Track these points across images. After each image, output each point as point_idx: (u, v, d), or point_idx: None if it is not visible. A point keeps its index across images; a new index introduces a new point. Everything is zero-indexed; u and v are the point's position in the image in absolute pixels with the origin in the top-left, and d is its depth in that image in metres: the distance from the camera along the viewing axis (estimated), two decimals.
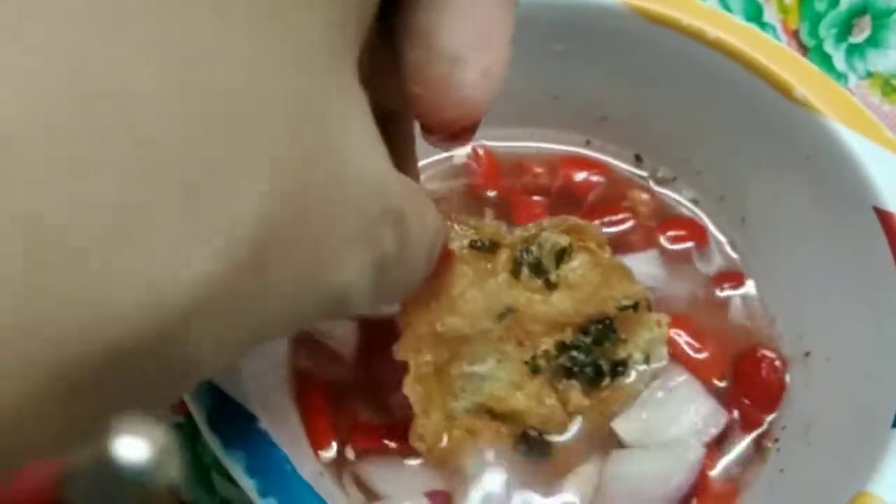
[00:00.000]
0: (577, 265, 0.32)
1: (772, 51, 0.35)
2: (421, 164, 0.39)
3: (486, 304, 0.30)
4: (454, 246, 0.30)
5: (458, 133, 0.23)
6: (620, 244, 0.39)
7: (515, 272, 0.31)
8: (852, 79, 0.48)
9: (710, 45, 0.35)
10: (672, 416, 0.35)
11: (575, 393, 0.33)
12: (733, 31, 0.35)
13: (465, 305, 0.30)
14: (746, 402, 0.37)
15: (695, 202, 0.41)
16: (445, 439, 0.32)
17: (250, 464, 0.28)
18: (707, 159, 0.39)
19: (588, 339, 0.32)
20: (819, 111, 0.34)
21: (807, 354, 0.37)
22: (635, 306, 0.33)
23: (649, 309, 0.33)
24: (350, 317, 0.36)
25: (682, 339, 0.37)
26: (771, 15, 0.50)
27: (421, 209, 0.22)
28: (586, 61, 0.38)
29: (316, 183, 0.17)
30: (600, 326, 0.32)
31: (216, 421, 0.28)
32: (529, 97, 0.40)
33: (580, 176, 0.41)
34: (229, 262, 0.15)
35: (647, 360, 0.34)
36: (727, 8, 0.50)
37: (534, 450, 0.33)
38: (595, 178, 0.41)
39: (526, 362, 0.32)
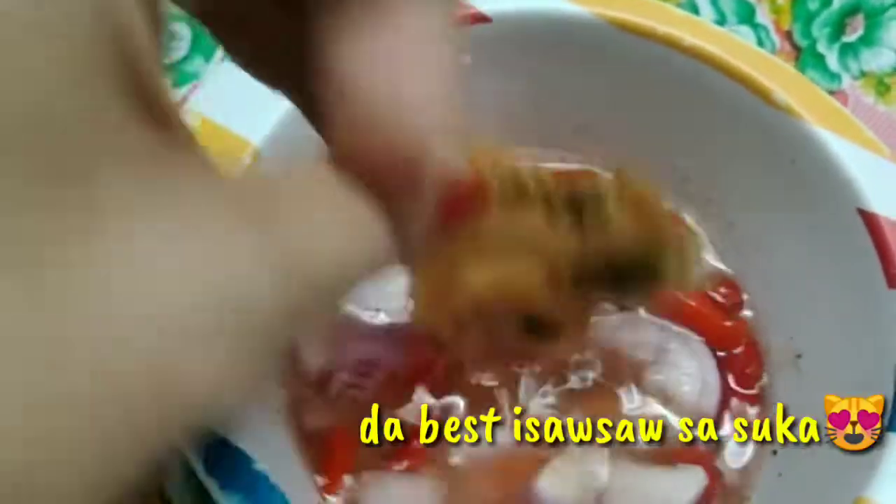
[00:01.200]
0: (609, 213, 0.28)
1: (749, 55, 0.35)
2: None
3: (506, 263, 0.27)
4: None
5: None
6: None
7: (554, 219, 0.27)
8: (846, 79, 0.48)
9: (686, 53, 0.35)
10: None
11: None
12: (709, 37, 0.35)
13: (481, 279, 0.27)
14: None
15: (682, 208, 0.41)
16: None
17: None
18: (691, 166, 0.40)
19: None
20: (799, 115, 0.34)
21: (798, 356, 0.37)
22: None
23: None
24: None
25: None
26: (763, 15, 0.50)
27: None
28: (565, 74, 0.38)
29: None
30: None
31: (212, 463, 0.29)
32: (510, 111, 0.40)
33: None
34: None
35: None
36: (719, 10, 0.50)
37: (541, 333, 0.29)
38: None
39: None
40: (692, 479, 0.36)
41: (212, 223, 0.14)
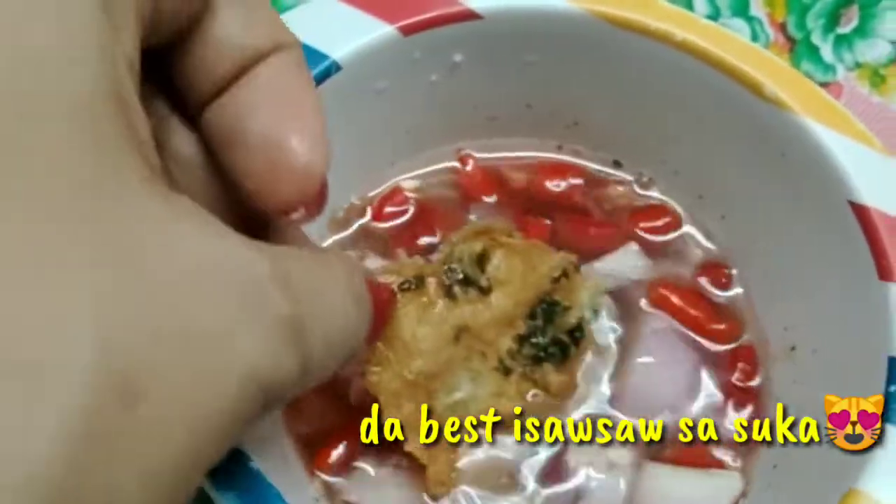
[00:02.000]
0: (497, 262, 0.33)
1: (740, 49, 0.35)
2: (412, 173, 0.41)
3: (438, 335, 0.32)
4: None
5: (312, 203, 0.23)
6: (604, 245, 0.40)
7: (450, 294, 0.32)
8: (840, 70, 0.48)
9: (678, 48, 0.35)
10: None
11: (551, 374, 0.34)
12: (700, 31, 0.35)
13: (422, 344, 0.31)
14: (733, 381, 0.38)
15: (675, 201, 0.41)
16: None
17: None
18: (683, 160, 0.40)
19: (539, 322, 0.34)
20: (790, 108, 0.34)
21: (792, 348, 0.37)
22: (565, 274, 0.34)
23: (577, 270, 0.35)
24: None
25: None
26: (757, 8, 0.50)
27: (313, 268, 0.22)
28: (557, 70, 0.38)
29: (147, 286, 0.16)
30: (544, 305, 0.34)
31: None
32: (503, 108, 0.40)
33: (557, 182, 0.41)
34: (72, 429, 0.15)
35: (595, 313, 0.36)
36: (713, 2, 0.50)
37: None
38: (573, 182, 0.41)
39: (496, 368, 0.33)
40: (728, 486, 0.36)
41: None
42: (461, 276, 0.33)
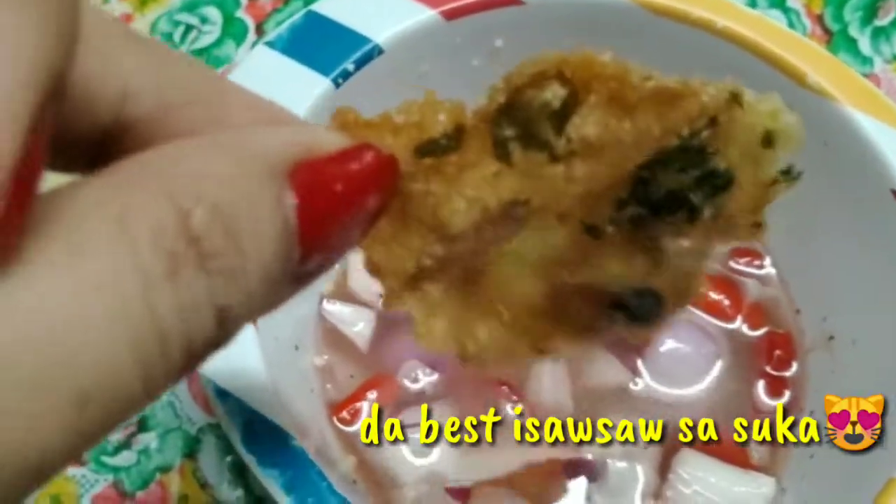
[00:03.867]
0: (585, 121, 0.19)
1: (782, 38, 0.35)
2: None
3: (477, 212, 0.20)
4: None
5: None
6: None
7: (503, 154, 0.19)
8: (878, 62, 0.48)
9: (719, 36, 0.35)
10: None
11: (671, 236, 0.21)
12: (742, 20, 0.35)
13: (453, 223, 0.20)
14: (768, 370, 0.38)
15: None
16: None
17: (286, 481, 0.28)
18: None
19: (666, 170, 0.20)
20: (833, 97, 0.34)
21: (830, 338, 0.37)
22: (712, 121, 0.19)
23: (737, 103, 0.19)
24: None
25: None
26: (795, 0, 0.50)
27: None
28: None
29: None
30: (681, 149, 0.19)
31: (251, 440, 0.29)
32: None
33: None
34: None
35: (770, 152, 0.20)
36: None
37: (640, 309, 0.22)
38: None
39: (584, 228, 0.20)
40: (764, 489, 0.35)
41: None
42: (522, 132, 0.19)
